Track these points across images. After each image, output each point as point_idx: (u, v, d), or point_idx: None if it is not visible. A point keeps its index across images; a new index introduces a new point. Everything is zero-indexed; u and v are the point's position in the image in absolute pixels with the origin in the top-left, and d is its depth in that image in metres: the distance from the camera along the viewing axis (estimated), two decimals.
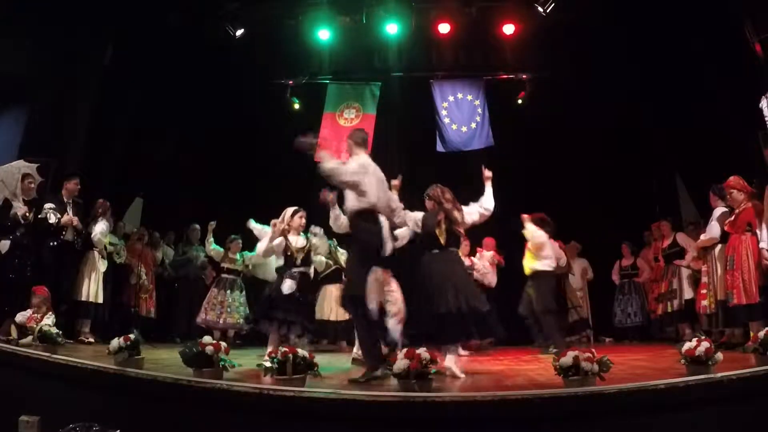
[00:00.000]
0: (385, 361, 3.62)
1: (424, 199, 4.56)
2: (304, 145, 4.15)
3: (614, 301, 8.43)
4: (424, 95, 9.06)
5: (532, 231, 6.36)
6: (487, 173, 4.76)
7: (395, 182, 4.71)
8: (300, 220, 5.44)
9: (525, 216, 6.43)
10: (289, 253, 5.35)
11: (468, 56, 9.15)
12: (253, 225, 6.25)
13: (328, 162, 4.07)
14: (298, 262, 5.36)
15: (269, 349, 4.83)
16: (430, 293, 4.12)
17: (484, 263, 7.38)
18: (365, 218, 4.09)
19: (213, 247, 7.56)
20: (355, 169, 4.10)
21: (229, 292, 7.54)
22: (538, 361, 5.26)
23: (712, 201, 5.97)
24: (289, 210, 5.48)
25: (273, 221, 5.53)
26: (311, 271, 5.73)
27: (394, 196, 4.51)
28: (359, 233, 4.14)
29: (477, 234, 7.10)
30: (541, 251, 6.35)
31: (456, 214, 4.37)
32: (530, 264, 6.44)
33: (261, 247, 5.61)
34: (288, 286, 5.18)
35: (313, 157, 4.33)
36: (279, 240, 5.33)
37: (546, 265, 6.34)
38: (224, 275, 7.64)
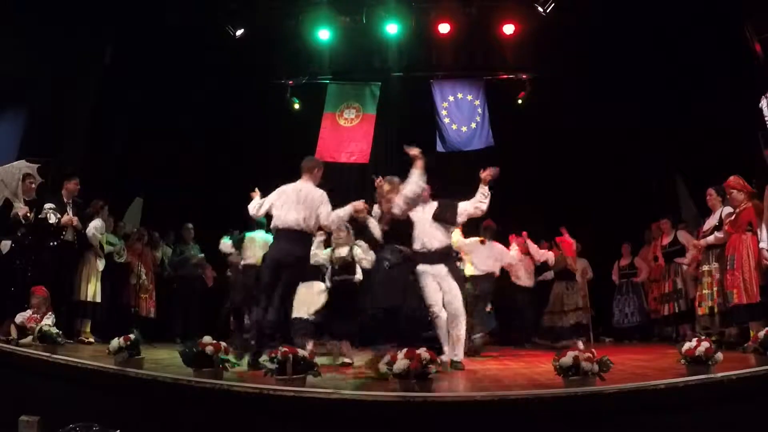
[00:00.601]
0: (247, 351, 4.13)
1: None
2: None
3: (613, 301, 8.44)
4: (424, 95, 9.06)
5: (457, 241, 6.58)
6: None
7: (377, 182, 4.88)
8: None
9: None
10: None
11: (468, 56, 9.16)
12: (225, 243, 6.71)
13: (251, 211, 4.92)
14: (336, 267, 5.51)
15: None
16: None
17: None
18: (277, 236, 4.59)
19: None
20: (270, 198, 4.73)
21: None
22: (538, 360, 5.26)
23: (711, 201, 5.96)
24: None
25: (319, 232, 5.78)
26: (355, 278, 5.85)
27: (323, 210, 4.61)
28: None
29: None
30: (471, 258, 6.60)
31: (384, 207, 4.28)
32: (467, 269, 6.68)
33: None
34: None
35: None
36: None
37: (475, 269, 6.59)
38: None
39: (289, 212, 4.53)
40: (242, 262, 6.64)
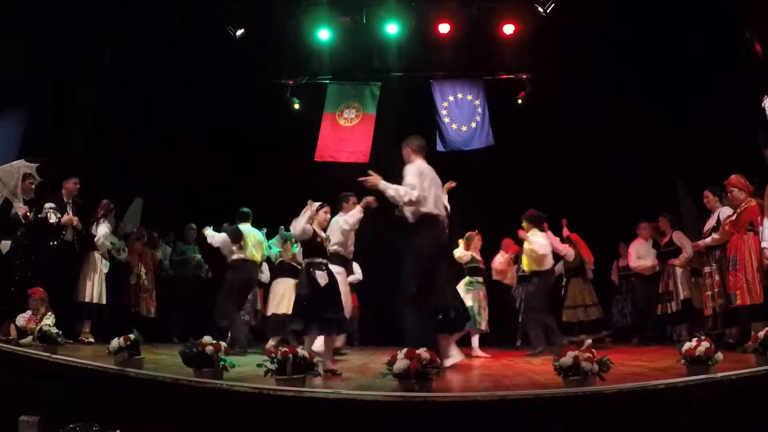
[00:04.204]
0: None
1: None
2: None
3: (612, 301, 8.42)
4: (424, 95, 9.06)
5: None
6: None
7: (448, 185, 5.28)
8: (325, 215, 5.10)
9: None
10: (318, 240, 4.86)
11: (468, 56, 9.15)
12: (209, 232, 6.66)
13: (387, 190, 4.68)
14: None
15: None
16: None
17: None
18: (436, 225, 4.72)
19: (274, 251, 7.24)
20: (413, 180, 4.63)
21: None
22: (538, 361, 5.27)
23: (708, 203, 5.95)
24: (315, 204, 4.94)
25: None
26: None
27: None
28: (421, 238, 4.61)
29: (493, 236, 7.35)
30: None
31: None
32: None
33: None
34: (321, 276, 4.67)
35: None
36: (308, 227, 4.81)
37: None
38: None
39: (438, 200, 4.76)
40: (234, 257, 6.56)
